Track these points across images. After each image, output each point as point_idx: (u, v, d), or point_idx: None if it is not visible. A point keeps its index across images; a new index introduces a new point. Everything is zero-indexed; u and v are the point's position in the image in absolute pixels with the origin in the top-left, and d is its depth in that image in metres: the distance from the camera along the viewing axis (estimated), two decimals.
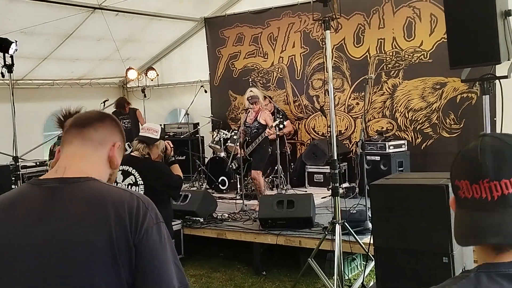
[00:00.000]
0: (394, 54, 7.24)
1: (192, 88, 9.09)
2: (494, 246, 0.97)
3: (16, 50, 5.73)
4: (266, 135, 6.27)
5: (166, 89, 10.10)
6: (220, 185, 7.70)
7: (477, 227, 0.97)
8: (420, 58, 7.03)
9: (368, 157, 6.42)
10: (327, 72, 4.62)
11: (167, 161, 4.01)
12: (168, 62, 10.05)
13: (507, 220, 0.95)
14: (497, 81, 3.27)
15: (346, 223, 4.49)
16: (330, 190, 4.56)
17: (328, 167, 4.75)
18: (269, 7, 8.33)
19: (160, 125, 4.04)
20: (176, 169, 3.96)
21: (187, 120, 8.85)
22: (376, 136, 6.95)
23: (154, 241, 1.33)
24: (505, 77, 3.29)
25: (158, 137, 3.82)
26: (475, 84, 3.40)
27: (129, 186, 3.69)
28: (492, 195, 0.95)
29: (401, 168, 6.50)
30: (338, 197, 4.47)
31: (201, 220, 5.83)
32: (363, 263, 5.01)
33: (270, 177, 7.54)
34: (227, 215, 6.03)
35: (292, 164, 7.83)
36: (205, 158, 8.64)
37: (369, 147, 6.60)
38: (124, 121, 8.57)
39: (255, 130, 6.44)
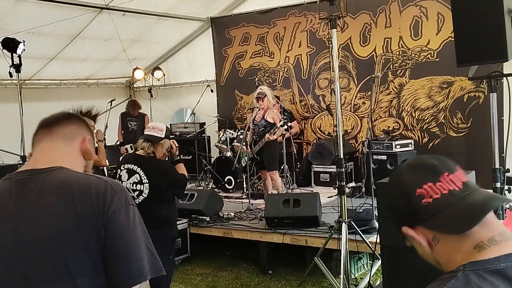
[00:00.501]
0: (400, 53, 7.21)
1: (198, 88, 9.11)
2: (475, 244, 1.00)
3: (24, 50, 5.76)
4: (266, 140, 6.25)
5: (172, 89, 10.13)
6: (226, 185, 7.71)
7: (470, 207, 1.01)
8: (427, 57, 7.00)
9: (375, 157, 6.40)
10: (333, 71, 4.62)
11: (173, 160, 4.02)
12: (174, 62, 10.08)
13: (484, 192, 1.05)
14: (504, 79, 3.25)
15: (352, 222, 4.48)
16: (336, 189, 4.55)
17: (334, 166, 4.74)
18: (275, 7, 8.33)
19: (166, 126, 4.03)
20: (181, 168, 3.96)
21: (193, 120, 8.88)
22: (383, 136, 6.93)
23: (122, 223, 1.34)
24: None
25: (163, 136, 3.82)
26: (482, 82, 3.37)
27: (134, 185, 3.70)
28: (457, 185, 1.04)
29: None
30: (345, 196, 4.47)
31: (208, 219, 5.84)
32: (369, 262, 5.00)
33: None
34: (233, 214, 6.03)
35: (298, 163, 7.82)
36: (212, 158, 8.66)
37: (375, 147, 6.58)
38: (131, 123, 8.59)
39: (262, 129, 6.43)
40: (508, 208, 3.56)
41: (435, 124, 6.99)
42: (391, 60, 7.28)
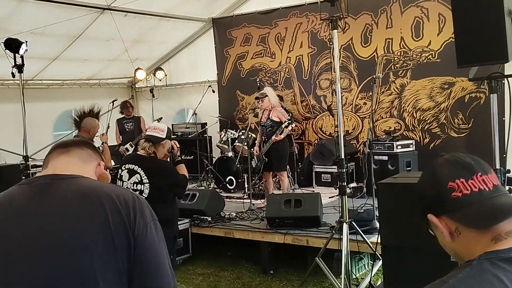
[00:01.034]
0: (402, 54, 7.22)
1: (200, 88, 9.13)
2: (493, 237, 1.06)
3: (26, 50, 5.79)
4: (272, 141, 6.28)
5: (174, 89, 10.15)
6: (227, 185, 7.72)
7: (497, 207, 1.07)
8: (428, 58, 7.00)
9: (376, 157, 6.41)
10: (334, 72, 4.63)
11: (174, 160, 4.03)
12: (176, 62, 10.10)
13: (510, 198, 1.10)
14: (505, 80, 3.26)
15: (353, 222, 4.49)
16: (338, 189, 4.56)
17: (336, 166, 4.75)
18: (276, 7, 8.34)
19: (167, 126, 4.04)
20: (182, 169, 3.98)
21: (195, 120, 8.89)
22: (384, 136, 6.93)
23: (153, 236, 1.35)
24: None
25: (164, 136, 3.84)
26: (483, 83, 3.37)
27: (135, 185, 3.72)
28: (488, 186, 1.09)
29: (409, 168, 6.48)
30: (346, 196, 4.48)
31: (209, 219, 5.85)
32: (370, 262, 5.01)
33: (278, 176, 7.54)
34: (234, 214, 6.05)
35: (299, 164, 7.83)
36: (213, 158, 8.67)
37: (376, 147, 6.59)
38: (128, 124, 8.60)
39: (269, 129, 6.44)
40: None
41: (436, 125, 7.00)
42: (393, 60, 7.29)
